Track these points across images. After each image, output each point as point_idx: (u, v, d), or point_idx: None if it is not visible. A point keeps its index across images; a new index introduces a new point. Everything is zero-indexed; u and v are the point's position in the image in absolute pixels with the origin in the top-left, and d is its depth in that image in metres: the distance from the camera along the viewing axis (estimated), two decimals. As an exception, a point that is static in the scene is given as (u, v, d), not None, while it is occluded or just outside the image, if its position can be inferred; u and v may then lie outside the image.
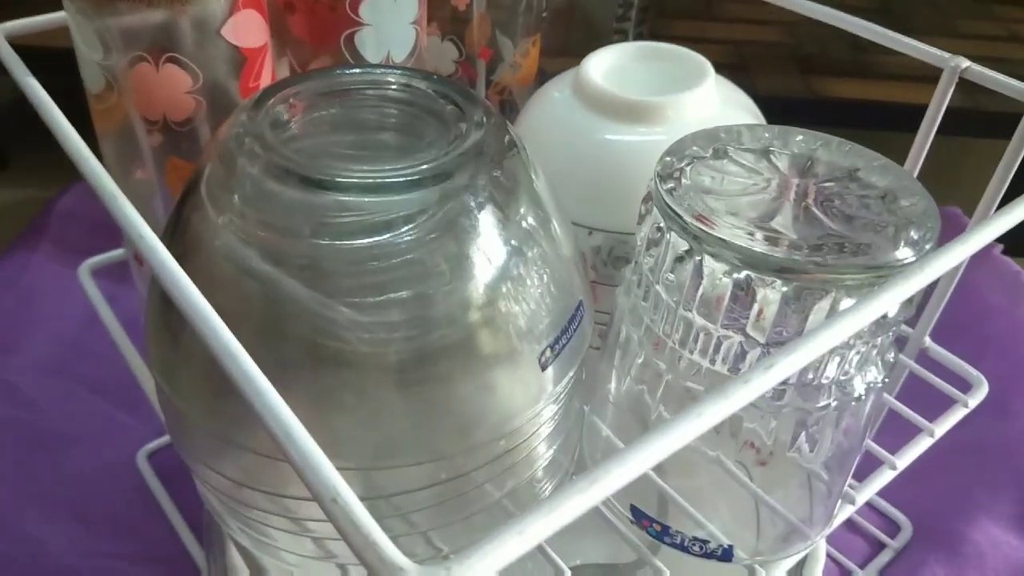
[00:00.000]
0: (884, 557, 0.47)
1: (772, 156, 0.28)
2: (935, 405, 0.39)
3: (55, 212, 0.65)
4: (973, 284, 0.60)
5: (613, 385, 0.33)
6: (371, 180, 0.23)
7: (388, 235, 0.24)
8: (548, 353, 0.26)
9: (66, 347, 0.55)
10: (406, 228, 0.24)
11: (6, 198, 0.73)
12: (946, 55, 0.35)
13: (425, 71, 0.29)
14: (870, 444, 0.36)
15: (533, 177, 0.28)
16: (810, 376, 0.26)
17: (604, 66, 0.37)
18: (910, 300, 0.26)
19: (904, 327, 0.42)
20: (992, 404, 0.51)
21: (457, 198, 0.24)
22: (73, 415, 0.51)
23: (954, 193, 0.57)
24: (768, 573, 0.30)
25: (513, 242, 0.25)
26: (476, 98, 0.27)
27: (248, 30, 0.31)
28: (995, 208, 0.35)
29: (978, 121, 0.62)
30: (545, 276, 0.27)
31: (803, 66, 0.67)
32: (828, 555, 0.47)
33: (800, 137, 0.29)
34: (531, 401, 0.27)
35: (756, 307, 0.25)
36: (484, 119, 0.26)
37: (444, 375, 0.25)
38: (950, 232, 0.24)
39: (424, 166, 0.24)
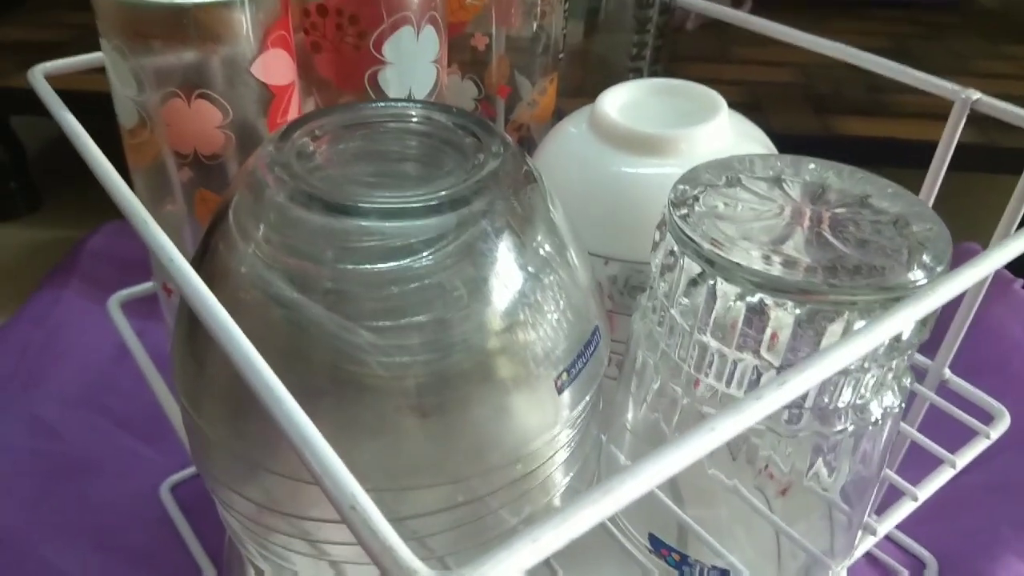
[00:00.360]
0: (910, 595, 0.46)
1: (784, 184, 0.29)
2: (957, 439, 0.39)
3: (85, 251, 0.66)
4: (995, 321, 0.59)
5: (630, 414, 0.33)
6: (391, 206, 0.24)
7: (408, 260, 0.24)
8: (564, 377, 0.27)
9: (92, 381, 0.56)
10: (426, 253, 0.25)
11: (38, 237, 0.75)
12: (957, 87, 0.36)
13: (445, 104, 0.30)
14: (892, 476, 0.36)
15: (551, 207, 0.28)
16: (826, 400, 0.26)
17: (619, 101, 0.38)
18: (924, 323, 0.26)
19: (923, 359, 0.42)
20: (1018, 441, 0.50)
21: (475, 224, 0.25)
22: (97, 447, 0.51)
23: (974, 231, 0.57)
24: (789, 604, 0.30)
25: (530, 267, 0.26)
26: (494, 130, 0.28)
27: (276, 68, 0.32)
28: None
29: (996, 157, 0.62)
30: (562, 302, 0.27)
31: (817, 105, 0.68)
32: (853, 593, 0.46)
33: (812, 165, 0.29)
34: (547, 425, 0.27)
35: (769, 331, 0.25)
36: (502, 149, 0.27)
37: (462, 398, 0.26)
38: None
39: (443, 192, 0.25)
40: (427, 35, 0.35)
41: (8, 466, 0.50)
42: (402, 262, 0.24)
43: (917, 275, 0.24)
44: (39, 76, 0.34)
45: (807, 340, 0.25)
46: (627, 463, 0.34)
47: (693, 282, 0.26)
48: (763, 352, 0.25)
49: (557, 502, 0.30)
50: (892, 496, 0.38)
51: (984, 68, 0.73)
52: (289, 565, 0.29)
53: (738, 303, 0.25)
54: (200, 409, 0.27)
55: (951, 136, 0.36)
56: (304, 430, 0.18)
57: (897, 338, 0.25)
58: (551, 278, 0.27)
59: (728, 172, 0.29)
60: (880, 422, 0.27)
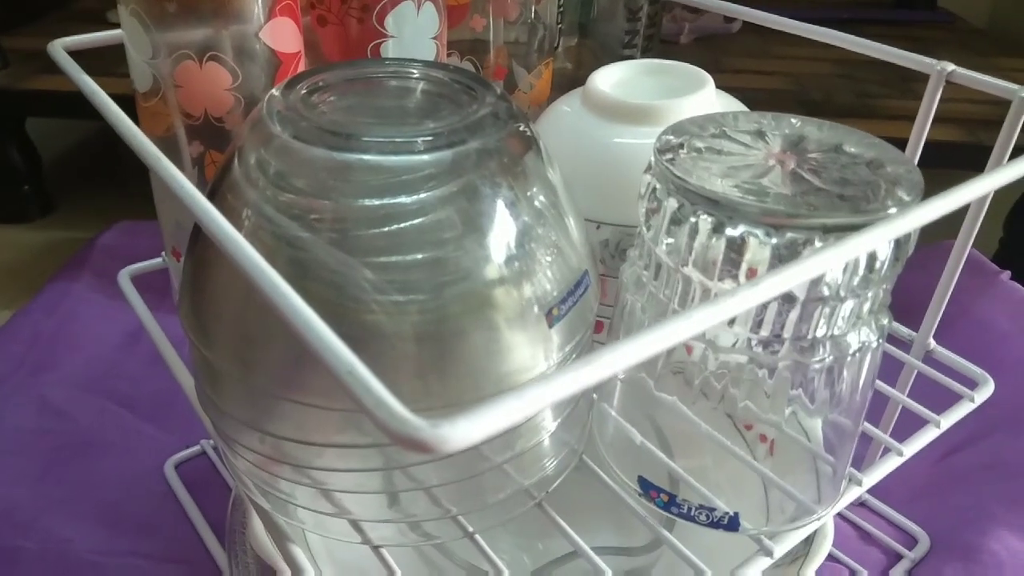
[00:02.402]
0: (901, 567, 0.46)
1: (766, 137, 0.30)
2: (944, 410, 0.40)
3: (97, 247, 0.68)
4: (981, 312, 0.60)
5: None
6: (391, 140, 0.26)
7: (407, 196, 0.26)
8: (555, 312, 0.28)
9: (100, 367, 0.57)
10: (424, 189, 0.26)
11: (50, 239, 0.77)
12: (932, 61, 0.38)
13: (443, 63, 0.32)
14: (877, 433, 0.37)
15: (547, 165, 0.30)
16: (804, 330, 0.27)
17: (612, 79, 0.40)
18: (897, 257, 0.27)
19: (908, 330, 0.43)
20: (1008, 422, 0.51)
21: (471, 162, 0.26)
22: (103, 427, 0.52)
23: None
24: (776, 545, 0.31)
25: (523, 210, 0.27)
26: (490, 84, 0.30)
27: (284, 36, 0.34)
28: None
29: (982, 156, 0.64)
30: (553, 246, 0.28)
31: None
32: (844, 564, 0.46)
33: (794, 120, 0.31)
34: (538, 358, 0.28)
35: (746, 266, 0.26)
36: (496, 99, 0.28)
37: (457, 331, 0.27)
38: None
39: (440, 129, 0.26)
40: (427, 11, 0.37)
41: (16, 444, 0.51)
42: (401, 198, 0.26)
43: (891, 204, 0.25)
44: (59, 48, 0.36)
45: (785, 271, 0.26)
46: (617, 417, 0.35)
47: (676, 220, 0.27)
48: (742, 280, 0.26)
49: (546, 446, 0.31)
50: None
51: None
52: (288, 498, 0.30)
53: (718, 240, 0.26)
54: (208, 340, 0.28)
55: (928, 108, 0.38)
56: (303, 313, 0.19)
57: (871, 266, 0.26)
58: (543, 222, 0.28)
59: (713, 125, 0.30)
60: (858, 355, 0.28)
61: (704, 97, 0.37)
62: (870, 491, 0.51)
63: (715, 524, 0.31)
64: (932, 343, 0.42)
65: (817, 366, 0.28)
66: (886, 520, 0.49)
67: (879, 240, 0.23)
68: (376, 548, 0.30)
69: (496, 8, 0.43)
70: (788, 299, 0.26)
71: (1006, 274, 0.63)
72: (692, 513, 0.31)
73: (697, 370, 0.31)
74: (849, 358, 0.28)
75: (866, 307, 0.27)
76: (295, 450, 0.28)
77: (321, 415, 0.27)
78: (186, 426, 0.53)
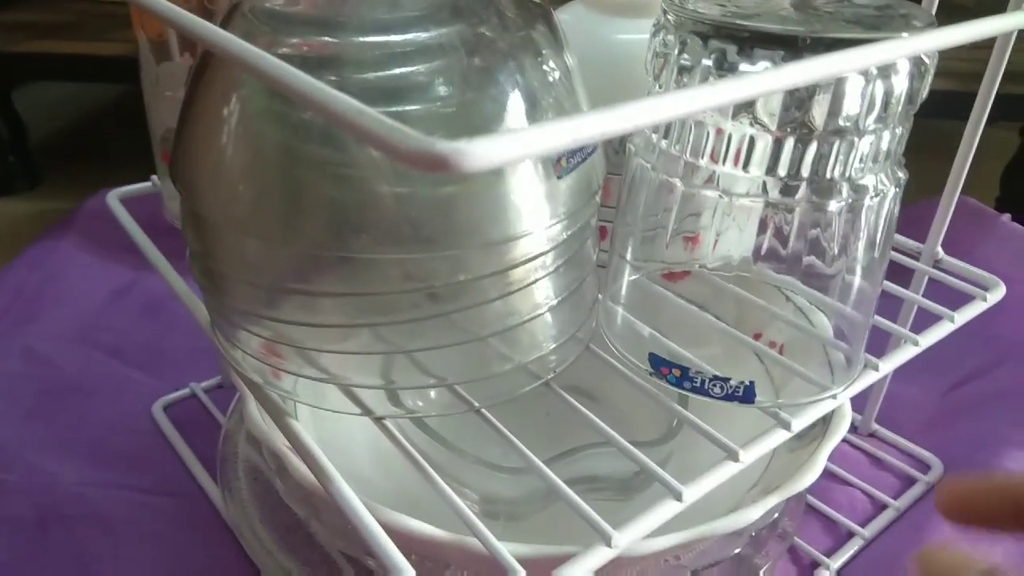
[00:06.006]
0: (916, 490, 0.45)
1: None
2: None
3: (84, 211, 0.67)
4: (983, 257, 0.60)
5: (629, 249, 0.33)
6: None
7: (407, 34, 0.25)
8: (563, 163, 0.27)
9: (86, 320, 0.56)
10: (427, 27, 0.25)
11: (36, 209, 0.76)
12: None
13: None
14: (892, 326, 0.36)
15: (564, 46, 0.29)
16: (821, 170, 0.26)
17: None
18: (911, 98, 0.26)
19: (915, 243, 0.42)
20: (1014, 355, 0.51)
21: (480, 2, 0.26)
22: (90, 373, 0.51)
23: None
24: (792, 419, 0.29)
25: (531, 69, 0.26)
26: None
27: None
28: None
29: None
30: (564, 113, 0.28)
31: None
32: (860, 489, 0.45)
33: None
34: (545, 211, 0.27)
35: (761, 102, 0.26)
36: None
37: (453, 190, 0.26)
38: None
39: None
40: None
41: (1, 387, 0.49)
42: (401, 36, 0.25)
43: (905, 32, 0.25)
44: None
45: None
46: (624, 313, 0.34)
47: (687, 67, 0.27)
48: (759, 113, 0.25)
49: (548, 319, 0.30)
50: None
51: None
52: (285, 365, 0.28)
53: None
54: (201, 194, 0.27)
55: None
56: (314, 84, 0.19)
57: (887, 102, 0.25)
58: (553, 92, 0.28)
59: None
60: (876, 201, 0.27)
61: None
62: (879, 422, 0.50)
63: (730, 396, 0.30)
64: (940, 252, 0.41)
65: (834, 207, 0.27)
66: (898, 449, 0.48)
67: (899, 51, 0.23)
68: (379, 420, 0.29)
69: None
70: (805, 134, 0.26)
71: (1006, 216, 0.63)
72: (706, 386, 0.30)
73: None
74: (868, 201, 0.27)
75: (883, 148, 0.27)
76: (293, 309, 0.27)
77: (318, 261, 0.26)
78: (176, 373, 0.51)
